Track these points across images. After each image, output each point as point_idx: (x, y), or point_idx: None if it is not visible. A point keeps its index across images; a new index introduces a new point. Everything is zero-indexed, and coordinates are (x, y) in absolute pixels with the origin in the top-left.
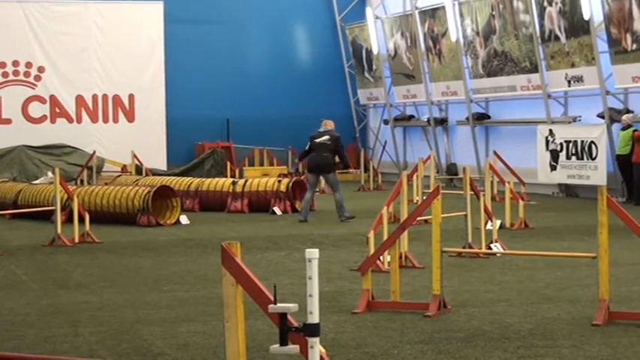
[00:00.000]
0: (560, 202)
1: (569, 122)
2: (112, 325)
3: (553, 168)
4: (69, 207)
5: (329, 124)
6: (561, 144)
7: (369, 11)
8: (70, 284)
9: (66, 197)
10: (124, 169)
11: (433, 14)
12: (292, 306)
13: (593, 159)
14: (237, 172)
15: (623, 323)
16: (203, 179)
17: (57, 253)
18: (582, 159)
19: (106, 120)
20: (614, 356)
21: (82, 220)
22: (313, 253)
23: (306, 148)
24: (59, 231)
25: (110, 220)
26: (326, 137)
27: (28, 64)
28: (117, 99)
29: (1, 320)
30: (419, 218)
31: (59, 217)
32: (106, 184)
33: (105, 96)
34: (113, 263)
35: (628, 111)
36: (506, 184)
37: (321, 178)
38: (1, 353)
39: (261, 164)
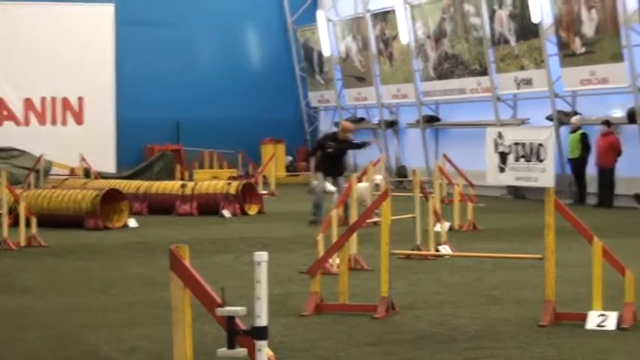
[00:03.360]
0: (509, 204)
1: (518, 124)
2: (58, 330)
3: (502, 170)
4: (15, 210)
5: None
6: (510, 146)
7: (320, 14)
8: (16, 288)
9: (12, 200)
10: (72, 172)
11: (384, 17)
12: (240, 309)
13: (542, 161)
14: (186, 174)
15: (569, 324)
16: (152, 182)
17: (2, 257)
18: (531, 161)
19: (54, 123)
20: (559, 357)
21: (28, 223)
22: (262, 256)
23: None
24: (5, 235)
25: (57, 223)
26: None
27: None
28: (66, 102)
29: None
30: (368, 220)
31: (5, 220)
32: (53, 187)
33: (54, 99)
34: (60, 267)
35: (576, 113)
36: (455, 187)
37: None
38: None
39: (211, 167)
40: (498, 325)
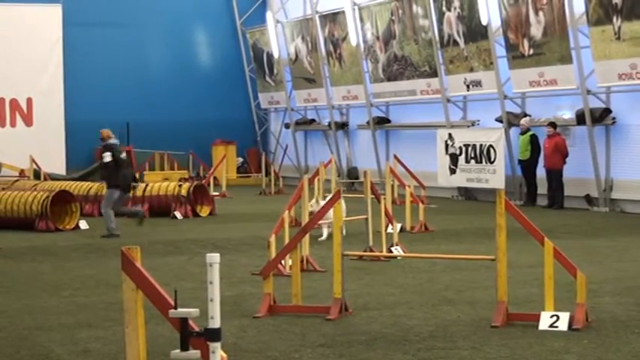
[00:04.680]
0: (460, 205)
1: (468, 126)
2: (9, 332)
3: (452, 171)
4: None
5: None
6: (460, 148)
7: (269, 15)
8: None
9: None
10: (22, 173)
11: (333, 18)
12: (193, 311)
13: (492, 162)
14: (137, 176)
15: (521, 324)
16: (103, 184)
17: None
18: (481, 162)
19: (3, 124)
20: (512, 357)
21: None
22: (214, 257)
23: (110, 160)
24: None
25: (7, 225)
26: (125, 153)
27: None
28: (14, 103)
29: None
30: (320, 222)
31: None
32: (3, 189)
33: (2, 100)
34: (11, 269)
35: (525, 115)
36: (407, 188)
37: None
38: None
39: (162, 168)
40: (451, 325)
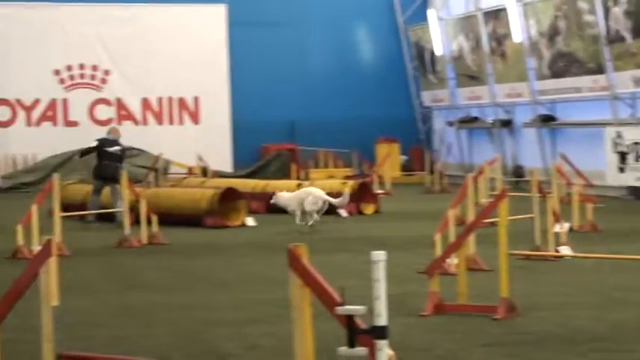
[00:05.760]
0: (629, 205)
1: (638, 123)
2: (181, 327)
3: (621, 170)
4: (136, 209)
5: (118, 133)
6: (630, 146)
7: (431, 13)
8: (139, 285)
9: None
10: (190, 171)
11: (496, 15)
12: (360, 308)
13: None
14: (302, 174)
15: None
16: (268, 181)
17: (125, 254)
18: None
19: (171, 122)
20: None
21: (149, 221)
22: (380, 255)
23: (91, 148)
24: (127, 232)
25: (176, 221)
26: (118, 148)
27: (94, 67)
28: (182, 101)
29: (71, 320)
30: (485, 221)
31: (127, 218)
32: (172, 185)
33: (170, 98)
34: (181, 264)
35: None
36: (575, 187)
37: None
38: (73, 353)
39: (326, 166)
40: (622, 327)
